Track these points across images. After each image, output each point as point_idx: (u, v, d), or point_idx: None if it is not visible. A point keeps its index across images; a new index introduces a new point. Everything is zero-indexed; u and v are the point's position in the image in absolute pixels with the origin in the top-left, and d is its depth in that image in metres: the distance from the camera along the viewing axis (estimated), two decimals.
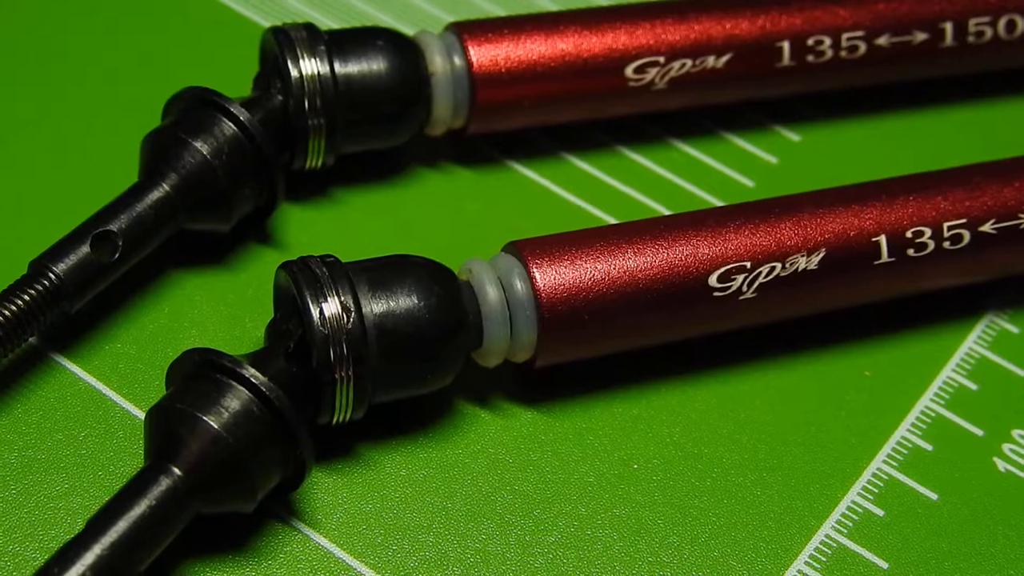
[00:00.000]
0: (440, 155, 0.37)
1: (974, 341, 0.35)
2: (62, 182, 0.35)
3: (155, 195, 0.32)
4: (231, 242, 0.34)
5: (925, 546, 0.32)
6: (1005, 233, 0.34)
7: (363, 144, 0.35)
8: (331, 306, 0.29)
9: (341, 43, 0.34)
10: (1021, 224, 0.34)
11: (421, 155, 0.37)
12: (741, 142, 0.38)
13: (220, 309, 0.33)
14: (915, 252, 0.33)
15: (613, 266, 0.31)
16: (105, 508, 0.27)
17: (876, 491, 0.32)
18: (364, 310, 0.30)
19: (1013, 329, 0.35)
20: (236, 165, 0.32)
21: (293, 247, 0.34)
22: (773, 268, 0.32)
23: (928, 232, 0.33)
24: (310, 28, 0.34)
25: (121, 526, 0.27)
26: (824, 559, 0.31)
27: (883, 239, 0.33)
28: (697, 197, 0.37)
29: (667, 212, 0.36)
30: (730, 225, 0.32)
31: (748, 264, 0.32)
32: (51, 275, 0.30)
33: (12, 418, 0.31)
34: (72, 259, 0.30)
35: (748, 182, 0.37)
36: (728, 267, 0.32)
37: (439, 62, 0.35)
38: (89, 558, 0.27)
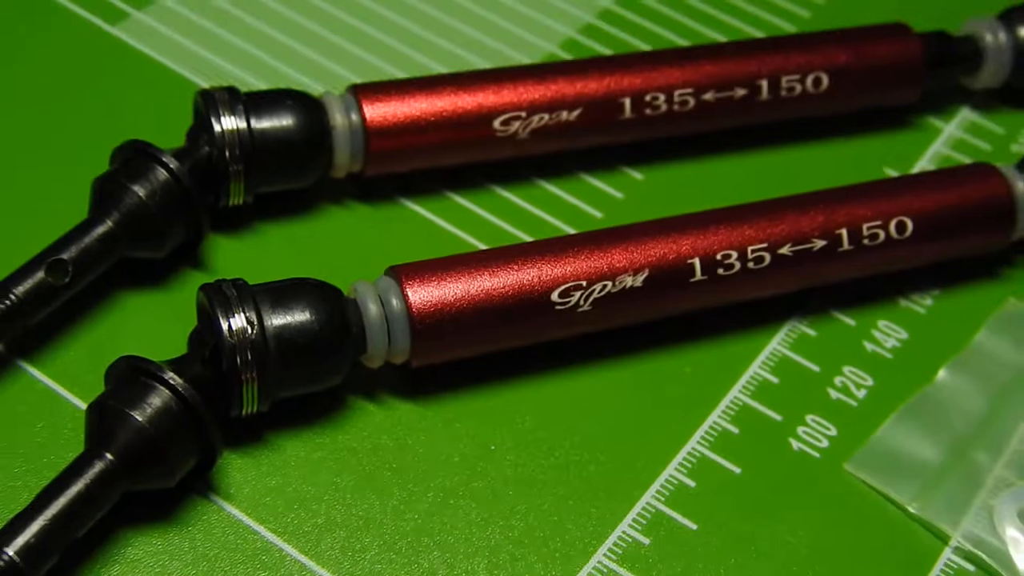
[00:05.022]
0: (343, 193, 0.37)
1: (778, 342, 0.36)
2: (23, 220, 0.36)
3: (100, 229, 0.33)
4: (166, 267, 0.35)
5: (729, 511, 0.32)
6: (800, 255, 0.35)
7: (276, 185, 0.36)
8: (238, 320, 0.31)
9: (257, 102, 0.36)
10: (813, 247, 0.35)
11: (327, 194, 0.37)
12: (593, 180, 0.39)
13: (155, 323, 0.34)
14: (724, 271, 0.34)
15: (472, 286, 0.33)
16: (48, 487, 0.29)
17: (690, 466, 0.33)
18: (266, 323, 0.31)
19: (810, 332, 0.36)
20: (168, 205, 0.34)
21: (219, 271, 0.35)
22: (605, 285, 0.33)
23: (735, 255, 0.34)
24: (232, 90, 0.36)
25: (60, 502, 0.28)
26: (644, 522, 0.32)
27: (697, 261, 0.34)
28: (555, 226, 0.38)
29: (531, 239, 0.37)
30: (570, 251, 0.34)
31: (584, 283, 0.33)
32: (12, 296, 0.32)
33: None
34: (30, 283, 0.32)
35: (598, 214, 0.38)
36: (567, 285, 0.33)
37: (339, 118, 0.36)
38: (33, 528, 0.28)
